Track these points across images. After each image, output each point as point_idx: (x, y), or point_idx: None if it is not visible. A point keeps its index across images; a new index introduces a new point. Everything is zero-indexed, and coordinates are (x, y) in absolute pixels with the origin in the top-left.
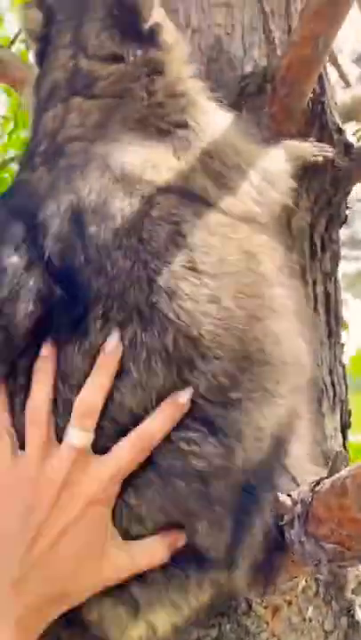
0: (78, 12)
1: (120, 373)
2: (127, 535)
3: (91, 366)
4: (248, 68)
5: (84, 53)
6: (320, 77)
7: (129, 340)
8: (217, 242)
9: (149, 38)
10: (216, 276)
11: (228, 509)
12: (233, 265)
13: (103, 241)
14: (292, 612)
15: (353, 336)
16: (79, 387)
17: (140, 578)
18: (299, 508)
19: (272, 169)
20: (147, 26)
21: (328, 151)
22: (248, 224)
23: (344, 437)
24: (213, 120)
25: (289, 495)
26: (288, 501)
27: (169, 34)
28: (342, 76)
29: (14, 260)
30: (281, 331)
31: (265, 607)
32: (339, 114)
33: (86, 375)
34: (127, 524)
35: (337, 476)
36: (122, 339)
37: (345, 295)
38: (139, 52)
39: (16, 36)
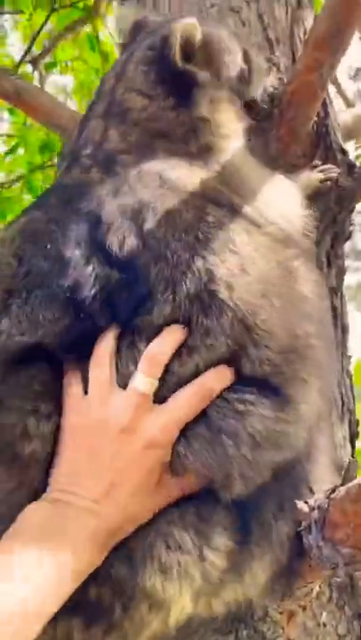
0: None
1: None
2: None
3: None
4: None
5: (121, 80)
6: (324, 101)
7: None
8: (259, 257)
9: (181, 88)
10: (262, 281)
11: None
12: (275, 277)
13: (163, 234)
14: (306, 617)
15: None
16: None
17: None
18: (316, 514)
19: (287, 204)
20: (180, 71)
21: (333, 172)
22: (284, 245)
23: (353, 446)
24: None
25: (306, 502)
26: (305, 508)
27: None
28: (340, 92)
29: (76, 254)
30: (318, 336)
31: (280, 613)
32: (341, 134)
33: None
34: (174, 470)
35: (351, 483)
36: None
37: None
38: (165, 102)
39: (22, 59)
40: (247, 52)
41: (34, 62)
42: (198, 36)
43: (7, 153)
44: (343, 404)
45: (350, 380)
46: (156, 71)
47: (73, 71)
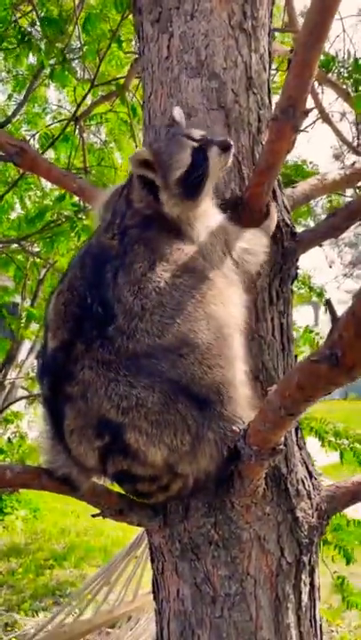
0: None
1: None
2: None
3: None
4: (227, 195)
5: (130, 191)
6: (274, 192)
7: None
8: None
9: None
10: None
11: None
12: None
13: (126, 285)
14: (257, 509)
15: None
16: None
17: None
18: (242, 431)
19: (255, 244)
20: (140, 175)
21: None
22: (229, 286)
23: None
24: (208, 221)
25: (237, 427)
26: (237, 429)
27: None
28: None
29: (89, 301)
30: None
31: (241, 506)
32: (294, 203)
33: None
34: None
35: (258, 415)
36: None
37: None
38: (147, 199)
39: (70, 121)
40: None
41: (77, 121)
42: (146, 155)
43: (58, 199)
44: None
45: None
46: (141, 180)
47: (106, 122)
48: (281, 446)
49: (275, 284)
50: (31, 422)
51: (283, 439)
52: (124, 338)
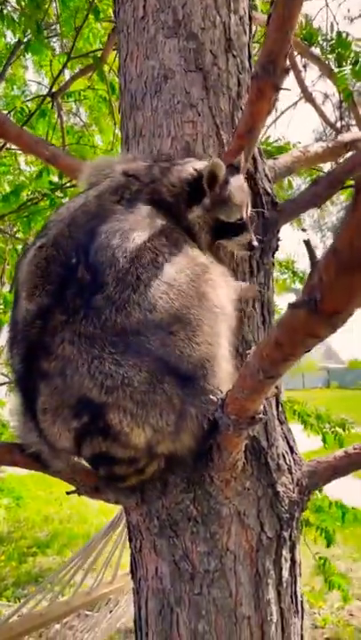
0: None
1: None
2: None
3: None
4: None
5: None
6: (255, 161)
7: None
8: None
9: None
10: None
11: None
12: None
13: (122, 251)
14: (237, 484)
15: None
16: None
17: None
18: (220, 401)
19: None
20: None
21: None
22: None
23: (276, 388)
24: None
25: (215, 397)
26: (215, 399)
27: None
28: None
29: (74, 261)
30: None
31: (221, 481)
32: (276, 175)
33: None
34: None
35: (236, 385)
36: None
37: None
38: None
39: (46, 95)
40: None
41: (53, 96)
42: (220, 174)
43: (36, 177)
44: None
45: None
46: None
47: (85, 99)
48: (260, 415)
49: (255, 255)
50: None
51: (262, 408)
52: (113, 310)
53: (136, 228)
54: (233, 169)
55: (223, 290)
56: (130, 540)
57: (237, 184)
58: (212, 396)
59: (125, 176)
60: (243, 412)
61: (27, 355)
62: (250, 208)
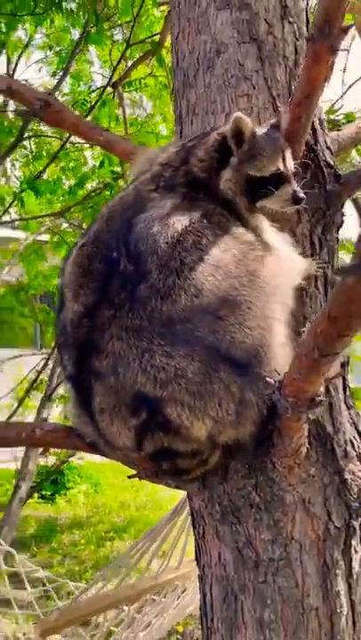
0: None
1: None
2: None
3: None
4: None
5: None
6: (315, 132)
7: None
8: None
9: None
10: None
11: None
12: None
13: (163, 237)
14: (301, 471)
15: None
16: None
17: None
18: (277, 384)
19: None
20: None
21: (323, 265)
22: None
23: (343, 371)
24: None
25: (272, 379)
26: (272, 381)
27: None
28: None
29: (115, 255)
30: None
31: (284, 467)
32: (340, 147)
33: None
34: None
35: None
36: None
37: None
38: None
39: (107, 85)
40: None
41: (114, 86)
42: (247, 128)
43: (99, 166)
44: None
45: None
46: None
47: (146, 87)
48: (320, 398)
49: (317, 230)
50: None
51: (322, 390)
52: (158, 298)
53: (175, 213)
54: (272, 127)
55: (276, 265)
56: (193, 526)
57: (268, 135)
58: (269, 379)
59: (160, 165)
60: (301, 394)
61: (78, 356)
62: (291, 160)
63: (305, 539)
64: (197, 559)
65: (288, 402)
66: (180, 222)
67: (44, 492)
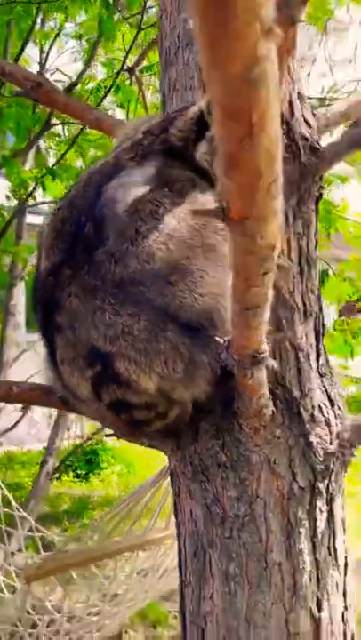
0: None
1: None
2: None
3: None
4: None
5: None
6: (291, 105)
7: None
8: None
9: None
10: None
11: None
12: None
13: (123, 204)
14: (266, 432)
15: None
16: None
17: None
18: (225, 343)
19: None
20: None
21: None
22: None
23: (317, 341)
24: None
25: (221, 338)
26: (221, 341)
27: None
28: None
29: (83, 219)
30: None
31: (250, 428)
32: (329, 122)
33: None
34: None
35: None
36: None
37: None
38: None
39: (120, 70)
40: None
41: (130, 71)
42: None
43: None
44: (306, 311)
45: (316, 293)
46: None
47: None
48: (263, 355)
49: (291, 202)
50: None
51: (264, 347)
52: (112, 262)
53: (140, 181)
54: None
55: None
56: (172, 485)
57: None
58: (218, 339)
59: (142, 134)
60: (242, 350)
61: (44, 311)
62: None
63: (269, 497)
64: (176, 516)
65: (234, 360)
66: (141, 190)
67: (78, 472)
